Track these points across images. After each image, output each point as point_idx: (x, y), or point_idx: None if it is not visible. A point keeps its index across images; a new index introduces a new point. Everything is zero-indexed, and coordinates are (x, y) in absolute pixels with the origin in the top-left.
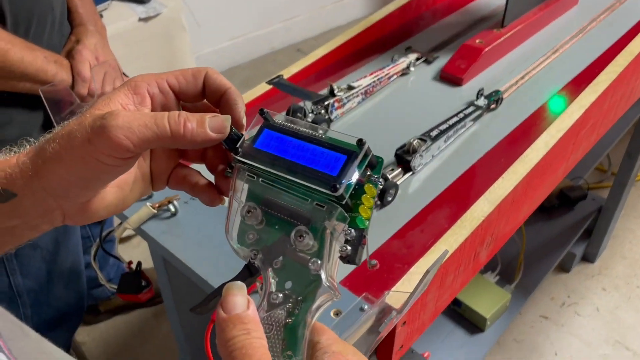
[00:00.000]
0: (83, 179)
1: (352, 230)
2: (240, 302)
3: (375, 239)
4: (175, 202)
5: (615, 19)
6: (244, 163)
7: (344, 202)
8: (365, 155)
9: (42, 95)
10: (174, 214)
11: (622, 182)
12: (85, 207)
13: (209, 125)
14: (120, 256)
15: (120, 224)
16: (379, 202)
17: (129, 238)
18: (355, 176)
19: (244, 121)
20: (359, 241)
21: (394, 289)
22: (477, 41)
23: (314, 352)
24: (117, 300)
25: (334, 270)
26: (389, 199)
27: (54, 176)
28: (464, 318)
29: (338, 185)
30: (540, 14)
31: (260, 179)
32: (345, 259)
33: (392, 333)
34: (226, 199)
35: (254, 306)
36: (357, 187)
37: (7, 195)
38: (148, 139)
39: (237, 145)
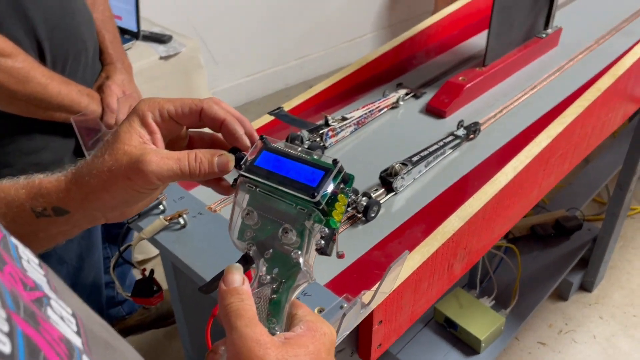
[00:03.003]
0: (124, 201)
1: (326, 229)
2: (237, 278)
3: (358, 249)
4: (185, 216)
5: (591, 59)
6: (246, 177)
7: (320, 207)
8: (339, 172)
9: (73, 123)
10: (183, 226)
11: (614, 213)
12: (123, 213)
13: (216, 164)
14: (136, 264)
15: (127, 230)
16: (363, 218)
17: (145, 262)
18: (330, 187)
19: (248, 143)
20: (330, 238)
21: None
22: (460, 78)
23: (292, 320)
24: (131, 320)
25: (311, 259)
26: (372, 215)
27: (101, 201)
28: (460, 340)
29: (316, 194)
30: (520, 54)
31: (258, 189)
32: (320, 250)
33: (369, 331)
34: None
35: (248, 283)
36: (332, 196)
37: (62, 212)
38: (172, 177)
39: (242, 163)
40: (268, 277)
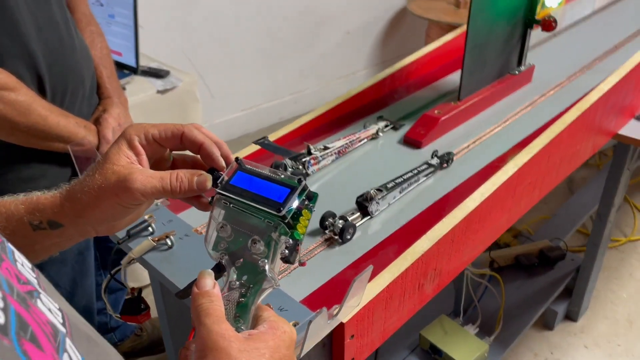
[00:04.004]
0: (113, 216)
1: (291, 240)
2: (209, 282)
3: (334, 269)
4: (172, 237)
5: (561, 94)
6: (221, 194)
7: (286, 221)
8: (303, 190)
9: (70, 152)
10: (170, 247)
11: (595, 243)
12: (112, 227)
13: (196, 183)
14: (126, 284)
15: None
16: (339, 240)
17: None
18: (295, 203)
19: (223, 164)
20: (294, 248)
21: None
22: (436, 111)
23: (257, 321)
24: (123, 346)
25: (276, 267)
26: (348, 237)
27: (92, 216)
28: None
29: (282, 209)
30: (494, 90)
31: (232, 205)
32: (284, 259)
33: (341, 345)
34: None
35: (218, 287)
36: (297, 211)
37: (57, 225)
38: (155, 194)
39: (218, 182)
40: (237, 282)
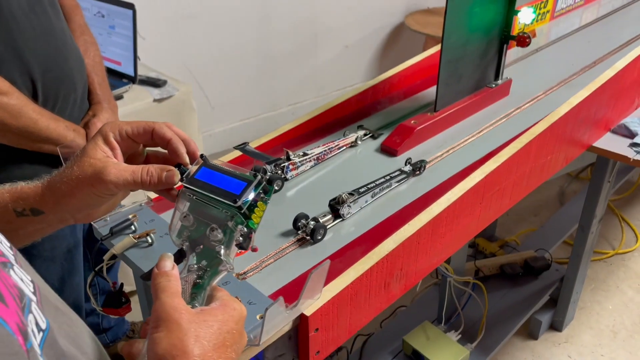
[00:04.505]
0: (88, 204)
1: (245, 229)
2: (168, 264)
3: (303, 266)
4: (152, 235)
5: (536, 107)
6: (186, 187)
7: (242, 211)
8: (259, 183)
9: (59, 152)
10: (150, 244)
11: (578, 254)
12: (89, 214)
13: (164, 177)
14: (107, 278)
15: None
16: (311, 240)
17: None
18: (251, 195)
19: (187, 160)
20: (248, 236)
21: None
22: (412, 122)
23: (211, 300)
24: (114, 348)
25: (232, 253)
26: (319, 237)
27: (70, 204)
28: None
29: (238, 200)
30: (470, 102)
31: (195, 197)
32: (239, 245)
33: (306, 338)
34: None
35: (177, 268)
36: (253, 203)
37: (38, 212)
38: (127, 185)
39: (184, 176)
40: (196, 266)
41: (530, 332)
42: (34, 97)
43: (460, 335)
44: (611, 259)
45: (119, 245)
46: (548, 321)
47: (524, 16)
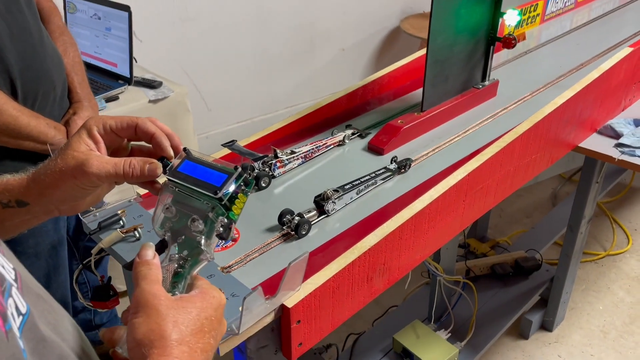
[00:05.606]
0: (72, 196)
1: (226, 220)
2: (149, 253)
3: (287, 260)
4: (140, 230)
5: (523, 108)
6: (169, 179)
7: (222, 203)
8: (239, 176)
9: (49, 151)
10: (138, 239)
11: (567, 254)
12: (73, 206)
13: (147, 170)
14: (96, 272)
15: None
16: (296, 235)
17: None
18: (232, 187)
19: (171, 153)
20: (228, 227)
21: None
22: (399, 121)
23: (191, 288)
24: (103, 348)
25: (213, 243)
26: (303, 232)
27: (54, 196)
28: None
29: (218, 192)
30: (457, 102)
31: (177, 189)
32: (219, 236)
33: (288, 330)
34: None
35: (158, 257)
36: (233, 195)
37: (23, 204)
38: (109, 177)
39: (167, 169)
40: (177, 256)
41: (521, 332)
42: (14, 95)
43: (450, 334)
44: (602, 260)
45: (106, 239)
46: (539, 321)
47: (510, 18)
